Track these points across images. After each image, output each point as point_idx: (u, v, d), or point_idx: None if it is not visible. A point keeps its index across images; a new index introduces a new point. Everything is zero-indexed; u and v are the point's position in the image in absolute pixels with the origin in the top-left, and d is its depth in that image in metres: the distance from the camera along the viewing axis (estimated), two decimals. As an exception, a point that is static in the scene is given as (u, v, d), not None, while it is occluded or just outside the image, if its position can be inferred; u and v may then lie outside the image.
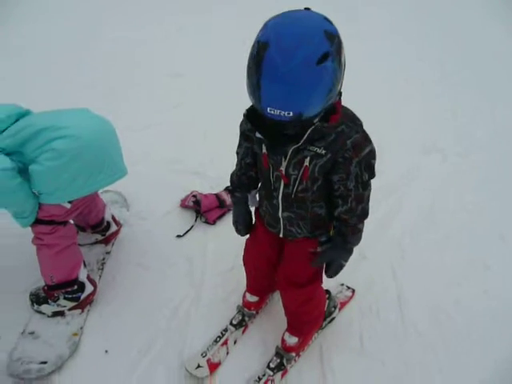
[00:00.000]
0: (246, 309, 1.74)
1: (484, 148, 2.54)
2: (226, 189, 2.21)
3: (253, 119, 1.12)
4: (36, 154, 1.48)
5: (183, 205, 2.24)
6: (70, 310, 1.77)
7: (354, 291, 1.82)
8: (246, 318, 1.74)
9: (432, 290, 1.82)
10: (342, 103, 1.10)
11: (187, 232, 2.11)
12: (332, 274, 1.34)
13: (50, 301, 1.75)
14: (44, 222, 1.60)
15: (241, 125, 1.31)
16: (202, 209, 2.15)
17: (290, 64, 0.93)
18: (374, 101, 2.78)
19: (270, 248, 1.49)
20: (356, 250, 1.92)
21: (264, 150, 1.20)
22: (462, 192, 2.26)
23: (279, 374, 1.58)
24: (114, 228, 2.02)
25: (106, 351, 1.67)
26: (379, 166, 2.34)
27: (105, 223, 1.97)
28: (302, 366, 1.62)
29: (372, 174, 1.20)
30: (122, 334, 1.72)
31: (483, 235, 2.05)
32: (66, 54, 3.50)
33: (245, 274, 1.67)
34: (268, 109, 0.97)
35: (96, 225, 1.95)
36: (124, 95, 3.05)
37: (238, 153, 1.39)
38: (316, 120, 1.05)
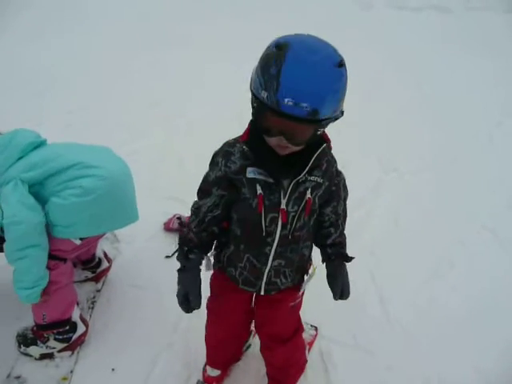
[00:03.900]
0: None
1: (431, 166, 2.65)
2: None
3: (253, 152, 0.99)
4: (59, 189, 1.38)
5: (167, 228, 2.12)
6: (59, 351, 1.54)
7: (316, 329, 1.66)
8: None
9: (408, 289, 1.83)
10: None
11: (175, 252, 2.01)
12: (348, 293, 1.20)
13: (39, 342, 1.52)
14: (48, 255, 1.42)
15: (218, 169, 1.05)
16: (187, 230, 2.06)
17: (316, 57, 0.86)
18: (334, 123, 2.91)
19: (244, 312, 1.29)
20: None
21: (259, 191, 1.01)
22: (420, 205, 2.31)
23: None
24: (105, 265, 1.84)
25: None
26: (348, 181, 2.45)
27: (96, 259, 1.80)
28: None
29: (348, 193, 1.20)
30: (117, 379, 1.50)
31: (444, 240, 2.09)
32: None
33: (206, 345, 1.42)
34: (286, 100, 0.84)
35: (87, 260, 1.78)
36: (98, 123, 2.95)
37: (200, 206, 1.10)
38: (320, 132, 0.95)
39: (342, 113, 0.94)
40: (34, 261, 1.36)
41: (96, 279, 1.85)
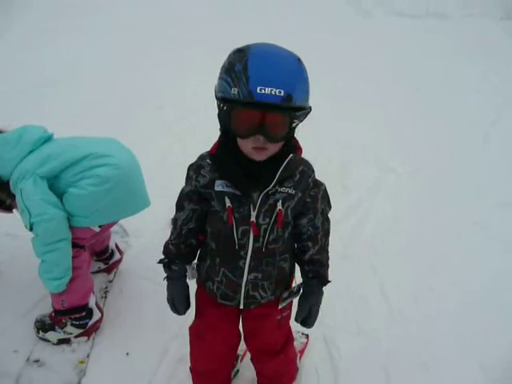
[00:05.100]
0: None
1: (427, 166, 2.74)
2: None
3: (220, 165, 1.00)
4: (76, 179, 1.45)
5: None
6: (76, 337, 1.61)
7: (307, 336, 1.64)
8: None
9: (408, 281, 1.92)
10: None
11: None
12: (313, 322, 1.15)
13: (56, 327, 1.59)
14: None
15: (189, 184, 1.08)
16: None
17: (277, 49, 0.92)
18: (333, 125, 2.98)
19: (229, 328, 1.23)
20: (337, 251, 2.01)
21: (228, 204, 1.00)
22: (417, 202, 2.41)
23: None
24: (117, 257, 1.92)
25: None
26: (347, 181, 2.56)
27: (109, 251, 1.88)
28: (309, 348, 1.63)
29: (330, 207, 1.16)
30: (132, 362, 1.57)
31: (441, 236, 2.18)
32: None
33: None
34: (258, 88, 0.85)
35: (101, 252, 1.86)
36: (102, 125, 2.90)
37: (175, 219, 1.14)
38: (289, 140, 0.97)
39: (311, 108, 0.95)
40: (63, 253, 1.44)
41: (108, 270, 1.92)
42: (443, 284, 1.91)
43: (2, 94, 3.19)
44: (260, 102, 0.86)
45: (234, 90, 0.87)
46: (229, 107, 0.90)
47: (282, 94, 0.86)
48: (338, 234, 2.15)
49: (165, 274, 1.20)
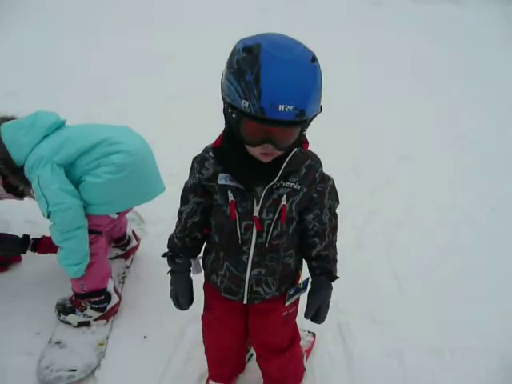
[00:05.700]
0: None
1: (444, 156, 2.72)
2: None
3: (223, 159, 0.98)
4: (91, 167, 1.45)
5: None
6: (95, 320, 1.65)
7: (314, 335, 1.60)
8: None
9: (422, 268, 1.92)
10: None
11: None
12: (324, 318, 1.11)
13: (77, 310, 1.63)
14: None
15: (193, 176, 1.06)
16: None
17: (290, 56, 0.82)
18: (349, 113, 2.96)
19: (235, 321, 1.22)
20: (351, 239, 2.03)
21: (231, 198, 0.99)
22: (432, 191, 2.40)
23: None
24: (134, 243, 1.95)
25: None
26: (361, 169, 2.54)
27: (126, 237, 1.91)
28: (322, 334, 1.64)
29: (339, 202, 1.13)
30: (149, 345, 1.61)
31: (456, 223, 2.17)
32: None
33: (207, 356, 1.37)
34: (271, 106, 0.80)
35: (118, 239, 1.89)
36: (115, 115, 2.92)
37: (181, 212, 1.12)
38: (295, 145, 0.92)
39: (321, 108, 0.90)
40: (80, 240, 1.47)
41: (125, 256, 1.95)
42: (456, 270, 1.90)
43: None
44: (272, 119, 0.82)
45: (245, 103, 0.82)
46: (238, 116, 0.86)
47: (296, 111, 0.82)
48: (352, 221, 2.15)
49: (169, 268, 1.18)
